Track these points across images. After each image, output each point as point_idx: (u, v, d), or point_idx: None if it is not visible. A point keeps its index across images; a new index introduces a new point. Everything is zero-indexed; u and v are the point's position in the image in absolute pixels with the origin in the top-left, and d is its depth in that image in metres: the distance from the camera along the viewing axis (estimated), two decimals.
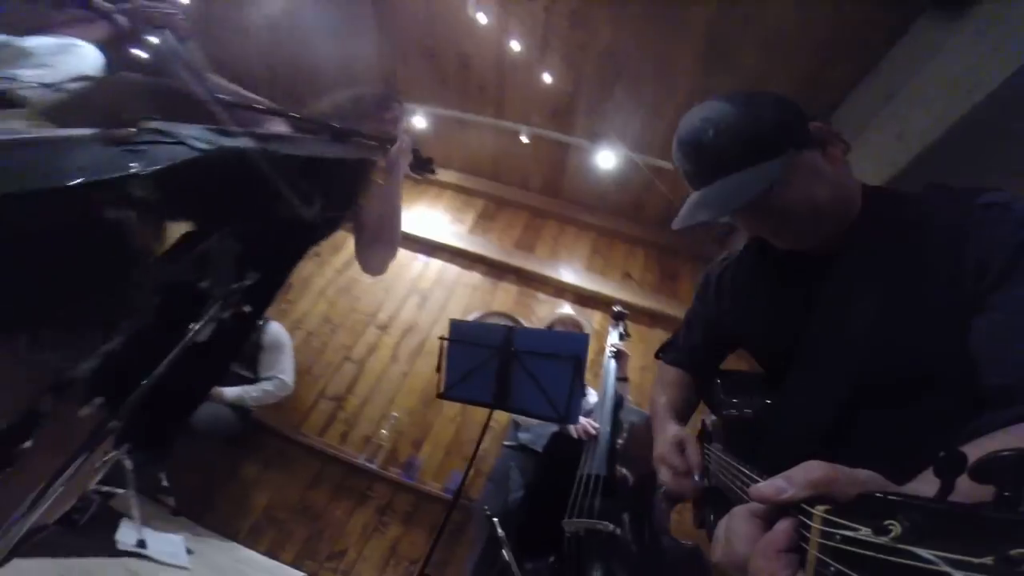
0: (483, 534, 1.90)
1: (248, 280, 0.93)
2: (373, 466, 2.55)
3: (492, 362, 1.71)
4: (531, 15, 2.61)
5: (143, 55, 1.16)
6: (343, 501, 2.52)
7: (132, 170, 0.58)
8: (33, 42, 1.59)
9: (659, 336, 3.16)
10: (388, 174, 1.23)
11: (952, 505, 0.25)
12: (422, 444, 2.72)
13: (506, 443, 2.28)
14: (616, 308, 2.58)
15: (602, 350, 2.41)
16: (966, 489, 0.26)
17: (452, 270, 3.46)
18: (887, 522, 0.26)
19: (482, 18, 2.65)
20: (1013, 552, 0.20)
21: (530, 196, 3.67)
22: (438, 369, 1.82)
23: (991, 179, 1.72)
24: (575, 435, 2.05)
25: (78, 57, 1.70)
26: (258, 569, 2.17)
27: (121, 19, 1.85)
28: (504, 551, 1.56)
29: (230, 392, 2.35)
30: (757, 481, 0.40)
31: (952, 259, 0.60)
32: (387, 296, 3.32)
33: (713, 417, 0.95)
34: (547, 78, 2.80)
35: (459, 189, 3.77)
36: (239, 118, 0.95)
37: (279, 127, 1.15)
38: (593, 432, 1.93)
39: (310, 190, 0.99)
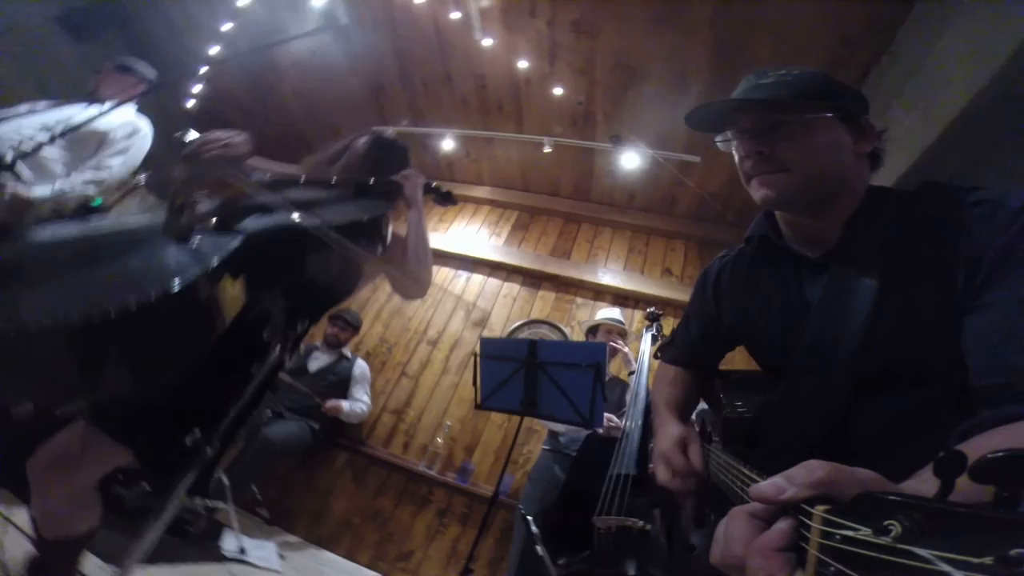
0: (522, 532, 2.14)
1: (300, 328, 1.22)
2: (432, 472, 2.90)
3: (520, 373, 1.94)
4: (536, 31, 2.83)
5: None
6: (407, 506, 2.89)
7: (206, 267, 0.81)
8: (106, 126, 2.04)
9: None
10: (410, 208, 1.42)
11: (952, 505, 0.26)
12: (474, 450, 3.03)
13: (544, 447, 2.50)
14: (650, 310, 2.71)
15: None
16: (965, 489, 0.26)
17: (493, 283, 3.75)
18: (887, 522, 0.26)
19: (488, 41, 2.91)
20: (1012, 552, 0.21)
21: (561, 202, 3.87)
22: (474, 383, 2.08)
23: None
24: (604, 431, 2.24)
25: (142, 138, 2.16)
26: (339, 571, 2.56)
27: (151, 74, 2.16)
28: (538, 547, 1.78)
29: (344, 402, 2.94)
30: (757, 481, 0.41)
31: (944, 256, 0.63)
32: (435, 313, 3.68)
33: (713, 417, 0.97)
34: (558, 91, 2.99)
35: (493, 203, 4.05)
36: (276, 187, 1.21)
37: (308, 191, 1.33)
38: (615, 425, 2.10)
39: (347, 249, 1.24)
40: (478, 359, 2.06)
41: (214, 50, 3.22)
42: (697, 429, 0.99)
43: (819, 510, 0.31)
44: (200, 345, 0.88)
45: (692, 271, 3.43)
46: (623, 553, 1.69)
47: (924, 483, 0.34)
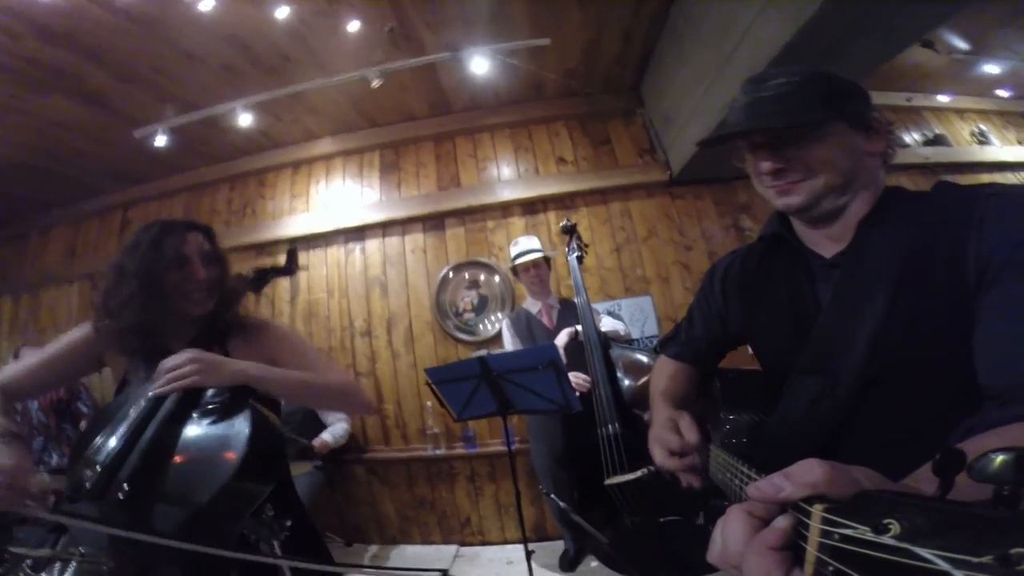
0: (555, 506, 2.25)
1: (280, 524, 1.12)
2: (441, 451, 3.20)
3: (482, 386, 1.98)
4: None
5: None
6: (441, 484, 3.24)
7: None
8: None
9: (616, 211, 3.30)
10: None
11: (951, 504, 0.26)
12: None
13: None
14: (563, 224, 2.66)
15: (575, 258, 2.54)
16: (964, 487, 0.27)
17: (392, 242, 3.48)
18: (886, 521, 0.27)
19: (207, 5, 2.11)
20: (1012, 551, 0.21)
21: (423, 124, 3.38)
22: (442, 405, 2.11)
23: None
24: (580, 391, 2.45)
25: None
26: (428, 559, 2.99)
27: None
28: (573, 516, 2.10)
29: (325, 435, 2.98)
30: (755, 479, 0.41)
31: (956, 255, 0.64)
32: (350, 302, 3.47)
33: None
34: (353, 22, 2.31)
35: (344, 153, 3.47)
36: None
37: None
38: (587, 384, 2.24)
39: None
40: (433, 387, 2.05)
41: None
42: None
43: (818, 509, 0.32)
44: None
45: (584, 151, 3.31)
46: (648, 498, 1.93)
47: (923, 481, 0.35)
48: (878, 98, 0.80)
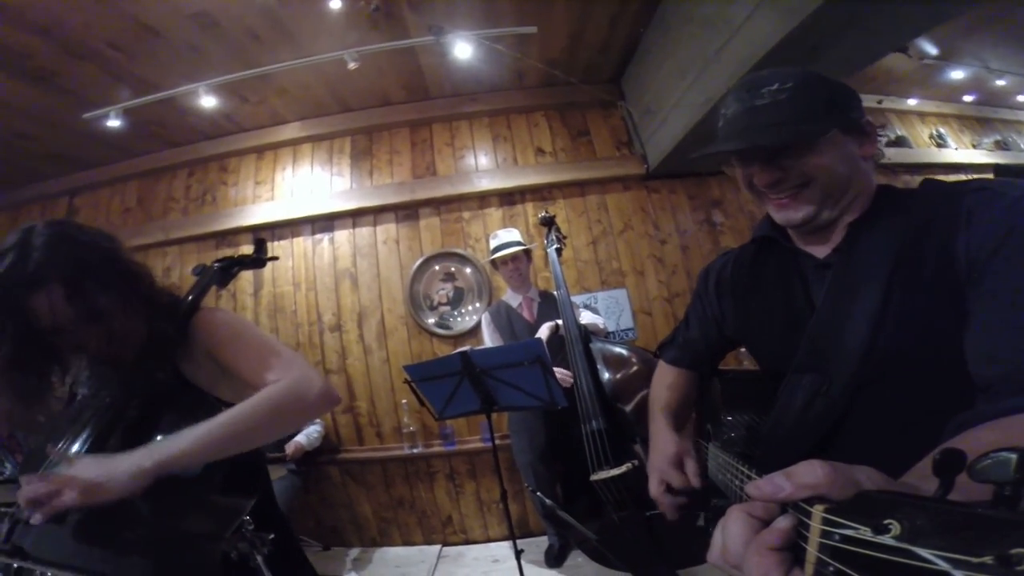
0: (539, 503, 2.31)
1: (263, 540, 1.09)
2: (418, 450, 3.17)
3: (464, 383, 1.96)
4: None
5: None
6: (419, 484, 3.21)
7: None
8: None
9: (593, 203, 3.39)
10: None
11: (952, 504, 0.27)
12: None
13: None
14: (541, 215, 2.68)
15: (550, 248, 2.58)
16: (964, 487, 0.28)
17: (363, 232, 3.43)
18: (887, 521, 0.27)
19: None
20: (1012, 551, 0.22)
21: (398, 110, 3.36)
22: (421, 404, 2.09)
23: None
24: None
25: None
26: (409, 562, 2.98)
27: None
28: (559, 512, 2.09)
29: (300, 438, 2.94)
30: (755, 479, 0.43)
31: (945, 250, 0.66)
32: (319, 295, 3.40)
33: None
34: (335, 2, 2.29)
35: (314, 138, 3.40)
36: None
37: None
38: (569, 379, 2.27)
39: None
40: (412, 385, 2.03)
41: None
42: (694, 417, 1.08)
43: (818, 509, 0.33)
44: None
45: (562, 142, 3.39)
46: (634, 493, 1.97)
47: (922, 479, 0.37)
48: None
